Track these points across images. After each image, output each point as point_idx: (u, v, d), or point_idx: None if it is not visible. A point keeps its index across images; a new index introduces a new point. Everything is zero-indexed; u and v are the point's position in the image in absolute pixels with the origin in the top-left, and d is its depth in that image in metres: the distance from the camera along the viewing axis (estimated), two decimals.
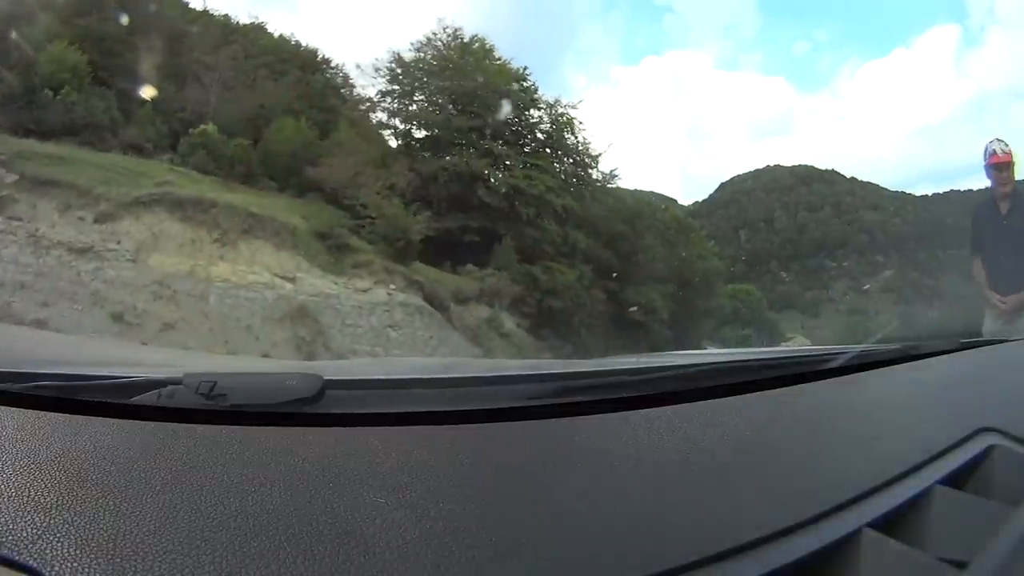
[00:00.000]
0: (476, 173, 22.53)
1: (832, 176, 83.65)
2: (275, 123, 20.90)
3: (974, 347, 1.52)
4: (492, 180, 23.04)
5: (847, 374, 1.07)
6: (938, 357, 1.33)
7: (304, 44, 27.57)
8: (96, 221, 13.59)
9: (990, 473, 0.75)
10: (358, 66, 39.42)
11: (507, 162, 23.16)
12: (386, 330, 15.61)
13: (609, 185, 26.80)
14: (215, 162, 18.45)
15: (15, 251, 12.10)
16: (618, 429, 0.75)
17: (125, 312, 12.13)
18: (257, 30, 26.88)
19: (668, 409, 0.80)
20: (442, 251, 20.57)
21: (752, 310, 47.43)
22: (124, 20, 20.25)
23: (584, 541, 0.52)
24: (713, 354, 1.33)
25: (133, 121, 19.09)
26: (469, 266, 20.55)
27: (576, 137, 25.36)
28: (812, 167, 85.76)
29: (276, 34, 27.48)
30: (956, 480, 0.71)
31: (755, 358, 1.18)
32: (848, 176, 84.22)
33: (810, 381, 1.01)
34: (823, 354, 1.13)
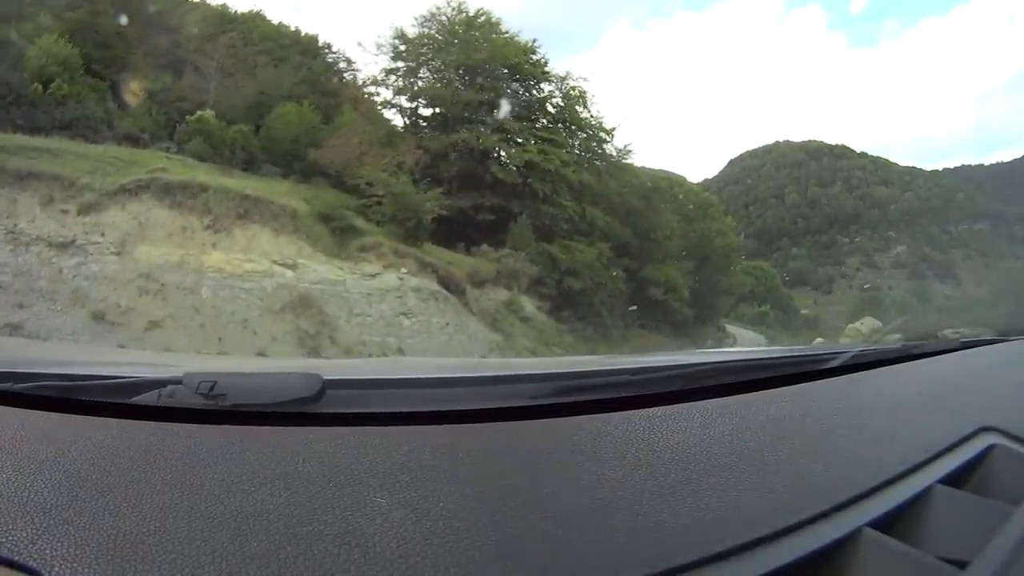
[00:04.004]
0: (487, 149, 21.61)
1: (842, 151, 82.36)
2: (277, 109, 20.48)
3: (974, 347, 1.52)
4: (504, 156, 22.12)
5: (847, 374, 1.07)
6: (938, 357, 1.34)
7: (304, 30, 27.74)
8: (80, 213, 12.64)
9: (990, 472, 0.75)
10: (359, 44, 38.68)
11: (519, 138, 22.22)
12: (398, 318, 14.33)
13: (624, 160, 25.66)
14: (214, 149, 17.92)
15: None
16: (618, 429, 0.75)
17: (107, 311, 11.15)
18: (255, 18, 26.86)
19: (668, 409, 0.80)
20: (454, 231, 19.44)
21: (767, 287, 46.57)
22: (117, 12, 20.17)
23: (584, 541, 0.52)
24: (713, 354, 1.33)
25: (129, 112, 18.89)
26: (484, 246, 19.24)
27: (589, 111, 24.35)
28: (822, 142, 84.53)
29: (275, 21, 27.63)
30: (956, 480, 0.71)
31: (755, 358, 1.18)
32: (858, 151, 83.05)
33: (810, 381, 1.01)
34: (823, 354, 1.13)
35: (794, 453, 0.73)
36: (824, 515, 0.59)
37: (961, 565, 0.54)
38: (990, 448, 0.78)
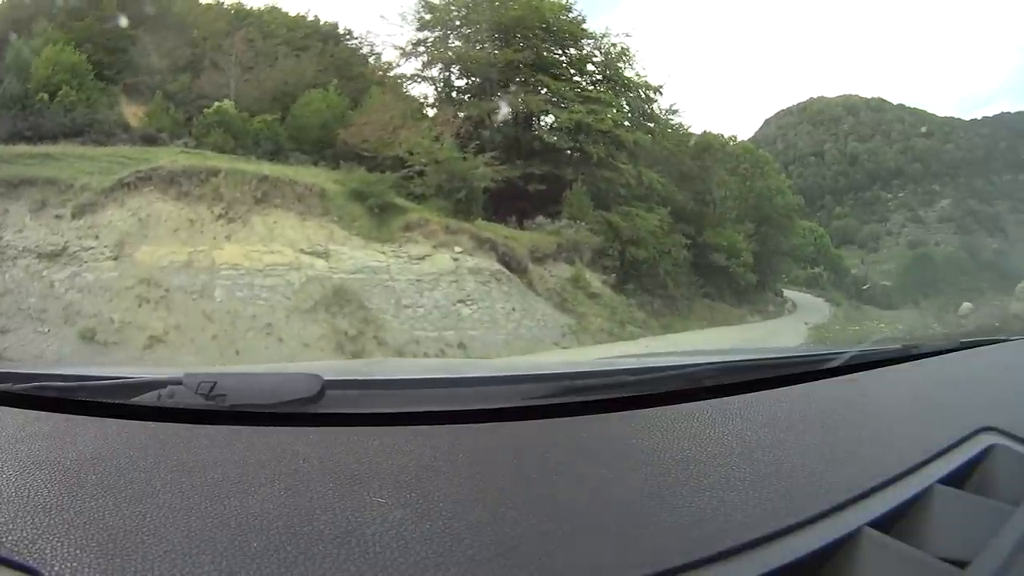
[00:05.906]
0: (531, 112, 20.17)
1: (879, 104, 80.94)
2: (302, 97, 19.90)
3: (974, 347, 1.52)
4: (551, 120, 20.71)
5: (847, 374, 1.07)
6: (938, 357, 1.34)
7: (323, 19, 27.78)
8: (74, 216, 11.13)
9: (990, 473, 0.75)
10: (382, 16, 35.87)
11: (563, 100, 20.38)
12: (456, 307, 12.35)
13: (671, 120, 24.28)
14: (236, 140, 17.04)
15: None
16: (618, 429, 0.75)
17: (98, 328, 9.53)
18: (271, 12, 26.93)
19: (668, 409, 0.80)
20: (503, 204, 17.54)
21: (818, 248, 45.61)
22: (124, 17, 20.16)
23: (584, 541, 0.52)
24: (713, 354, 1.33)
25: (145, 112, 18.68)
26: (539, 218, 17.56)
27: (633, 68, 22.89)
28: (858, 96, 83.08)
29: (292, 13, 27.56)
30: (956, 480, 0.71)
31: (755, 358, 1.18)
32: (895, 103, 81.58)
33: (810, 381, 1.01)
34: (823, 354, 1.13)
35: (794, 453, 0.73)
36: (824, 515, 0.59)
37: (961, 565, 0.54)
38: (990, 448, 0.78)
